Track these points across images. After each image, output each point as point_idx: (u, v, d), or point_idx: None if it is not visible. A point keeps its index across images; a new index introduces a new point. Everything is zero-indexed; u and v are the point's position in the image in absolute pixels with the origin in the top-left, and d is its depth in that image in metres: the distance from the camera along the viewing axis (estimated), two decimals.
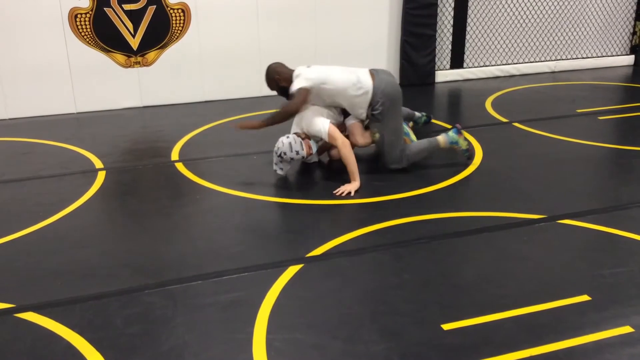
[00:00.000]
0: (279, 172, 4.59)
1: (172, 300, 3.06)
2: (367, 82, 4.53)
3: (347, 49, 7.24)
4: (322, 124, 4.50)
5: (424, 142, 4.72)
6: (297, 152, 4.46)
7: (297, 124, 4.62)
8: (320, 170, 4.95)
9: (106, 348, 2.71)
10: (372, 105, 4.54)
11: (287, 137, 4.51)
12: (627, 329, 2.76)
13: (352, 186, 4.40)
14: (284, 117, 4.57)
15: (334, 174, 4.87)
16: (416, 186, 4.42)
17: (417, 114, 5.54)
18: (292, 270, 3.30)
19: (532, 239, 3.64)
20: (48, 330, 2.84)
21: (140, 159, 5.16)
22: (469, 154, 4.76)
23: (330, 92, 4.52)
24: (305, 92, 4.46)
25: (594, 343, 2.67)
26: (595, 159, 5.01)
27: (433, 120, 5.95)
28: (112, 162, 5.07)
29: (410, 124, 5.48)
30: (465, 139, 4.72)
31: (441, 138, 4.68)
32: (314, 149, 4.58)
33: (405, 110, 5.27)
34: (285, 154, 4.47)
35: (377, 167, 4.93)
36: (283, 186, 4.57)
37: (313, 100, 4.61)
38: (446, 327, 2.79)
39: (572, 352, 2.62)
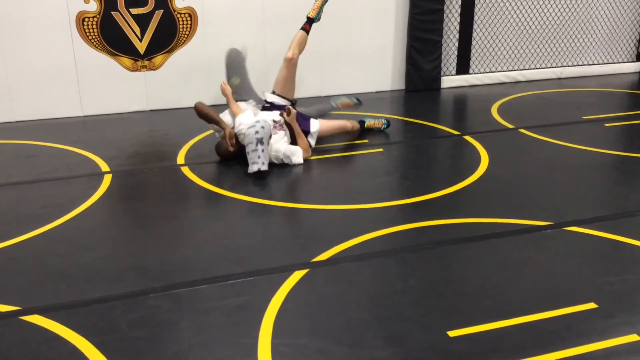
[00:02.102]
0: (263, 167, 4.68)
1: (178, 304, 3.06)
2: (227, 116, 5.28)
3: (353, 53, 7.25)
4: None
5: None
6: (260, 120, 4.85)
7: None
8: (325, 175, 4.95)
9: (111, 351, 2.71)
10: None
11: (248, 128, 4.84)
12: (634, 337, 2.74)
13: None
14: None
15: (339, 179, 4.88)
16: (422, 192, 4.42)
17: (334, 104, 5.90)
18: (297, 275, 3.30)
19: (538, 245, 3.62)
20: (53, 333, 2.84)
21: (146, 163, 5.17)
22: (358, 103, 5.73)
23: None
24: None
25: (601, 351, 2.66)
26: (602, 165, 4.99)
27: (439, 126, 5.94)
28: (118, 165, 5.08)
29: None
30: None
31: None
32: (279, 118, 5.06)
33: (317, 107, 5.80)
34: (258, 132, 4.72)
35: (383, 174, 4.92)
36: (289, 190, 4.57)
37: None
38: (452, 333, 2.78)
39: None
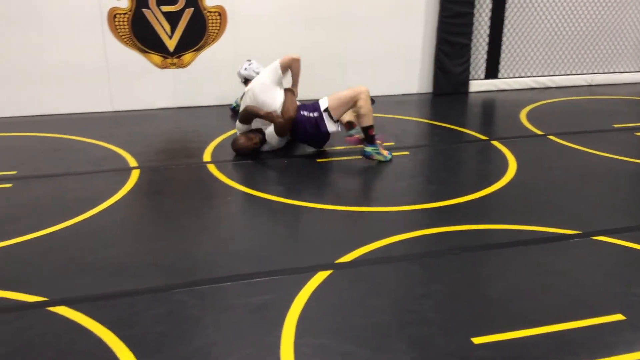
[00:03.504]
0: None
1: (201, 300, 3.08)
2: None
3: (381, 55, 7.24)
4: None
5: None
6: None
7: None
8: (350, 177, 4.94)
9: (135, 345, 2.73)
10: None
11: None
12: None
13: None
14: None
15: (365, 181, 4.86)
16: (448, 197, 4.39)
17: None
18: (321, 275, 3.30)
19: (565, 254, 3.57)
20: (79, 324, 2.87)
21: (173, 159, 5.22)
22: None
23: None
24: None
25: None
26: (632, 175, 4.90)
27: (466, 131, 5.90)
28: (146, 161, 5.13)
29: None
30: None
31: None
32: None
33: None
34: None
35: (408, 177, 4.90)
36: (314, 191, 4.57)
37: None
38: (476, 340, 2.76)
39: None
